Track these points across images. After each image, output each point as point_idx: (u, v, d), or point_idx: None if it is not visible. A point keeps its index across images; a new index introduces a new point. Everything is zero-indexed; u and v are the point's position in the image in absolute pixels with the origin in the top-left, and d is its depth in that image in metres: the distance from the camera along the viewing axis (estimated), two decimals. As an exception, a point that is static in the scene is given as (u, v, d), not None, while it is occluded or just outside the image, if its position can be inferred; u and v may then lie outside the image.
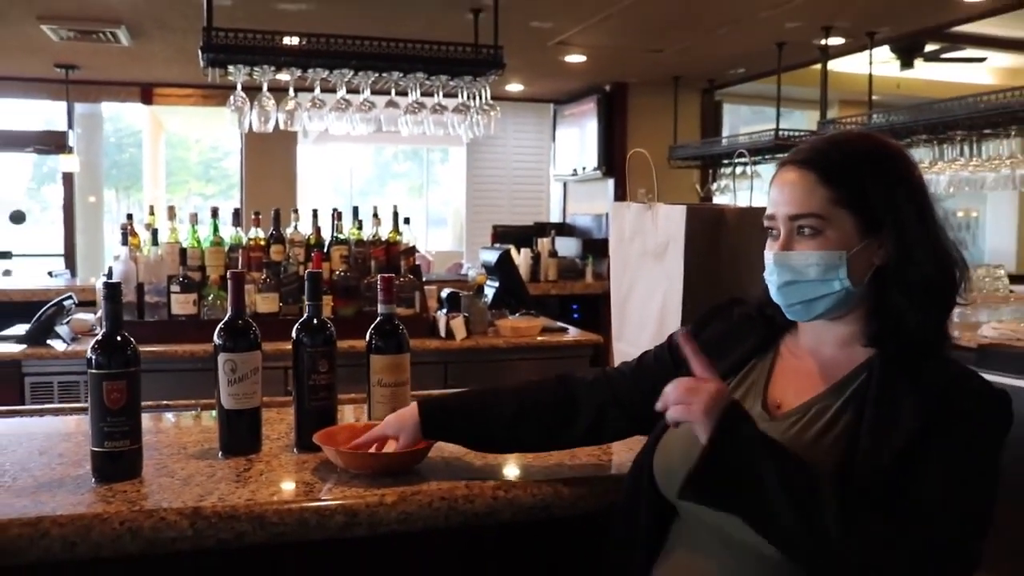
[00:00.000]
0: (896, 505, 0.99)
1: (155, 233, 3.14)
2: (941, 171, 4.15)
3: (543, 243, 6.20)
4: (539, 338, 3.49)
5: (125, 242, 3.15)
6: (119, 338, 1.33)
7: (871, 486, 1.00)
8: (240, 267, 3.04)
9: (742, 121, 7.77)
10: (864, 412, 1.06)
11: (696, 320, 1.36)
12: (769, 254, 1.15)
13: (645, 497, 1.20)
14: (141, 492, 1.29)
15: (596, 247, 6.49)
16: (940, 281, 1.10)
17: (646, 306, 1.75)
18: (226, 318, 1.50)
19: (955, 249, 1.12)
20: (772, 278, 1.15)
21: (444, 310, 3.39)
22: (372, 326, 1.58)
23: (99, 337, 1.34)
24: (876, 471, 1.01)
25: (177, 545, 1.19)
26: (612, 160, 7.00)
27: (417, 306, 3.35)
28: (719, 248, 1.59)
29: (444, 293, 3.50)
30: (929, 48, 5.81)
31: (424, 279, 3.58)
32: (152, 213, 3.40)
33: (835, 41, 5.13)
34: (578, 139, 7.47)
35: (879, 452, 1.02)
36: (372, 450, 1.39)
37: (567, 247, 6.58)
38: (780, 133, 5.33)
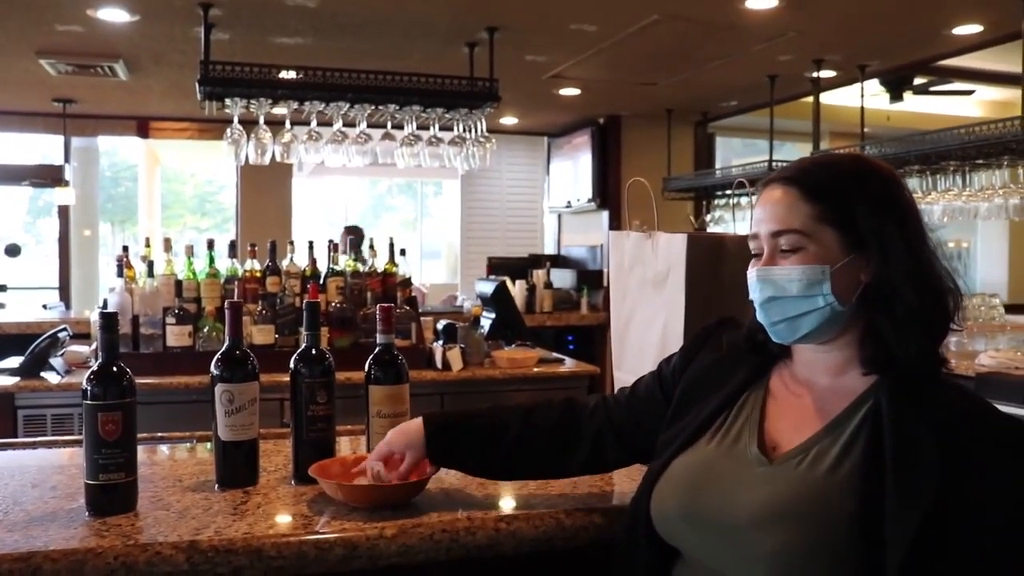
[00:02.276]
0: None
1: (151, 265, 3.13)
2: (934, 201, 4.18)
3: (538, 275, 6.20)
4: (535, 369, 3.48)
5: (121, 274, 3.13)
6: (115, 368, 1.31)
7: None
8: (236, 299, 3.03)
9: (734, 153, 7.83)
10: (875, 451, 1.00)
11: (685, 347, 1.33)
12: (752, 271, 1.14)
13: (644, 541, 1.17)
14: (136, 526, 1.26)
15: (591, 278, 6.51)
16: (923, 307, 1.05)
17: (646, 334, 1.74)
18: (223, 348, 1.48)
19: (948, 277, 1.09)
20: (755, 295, 1.13)
21: (440, 341, 3.38)
22: (371, 356, 1.56)
23: (94, 367, 1.32)
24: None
25: (173, 580, 1.17)
26: (606, 192, 7.03)
27: (413, 337, 3.34)
28: (720, 276, 1.59)
29: (440, 324, 3.49)
30: (918, 81, 5.88)
31: (419, 311, 3.57)
32: (148, 245, 3.39)
33: (827, 74, 5.20)
34: (572, 171, 7.51)
35: (907, 517, 0.95)
36: (377, 471, 1.37)
37: (562, 279, 6.58)
38: (774, 164, 5.38)
